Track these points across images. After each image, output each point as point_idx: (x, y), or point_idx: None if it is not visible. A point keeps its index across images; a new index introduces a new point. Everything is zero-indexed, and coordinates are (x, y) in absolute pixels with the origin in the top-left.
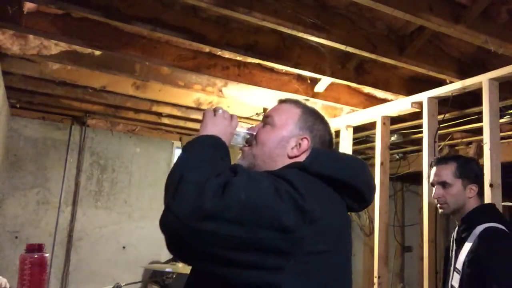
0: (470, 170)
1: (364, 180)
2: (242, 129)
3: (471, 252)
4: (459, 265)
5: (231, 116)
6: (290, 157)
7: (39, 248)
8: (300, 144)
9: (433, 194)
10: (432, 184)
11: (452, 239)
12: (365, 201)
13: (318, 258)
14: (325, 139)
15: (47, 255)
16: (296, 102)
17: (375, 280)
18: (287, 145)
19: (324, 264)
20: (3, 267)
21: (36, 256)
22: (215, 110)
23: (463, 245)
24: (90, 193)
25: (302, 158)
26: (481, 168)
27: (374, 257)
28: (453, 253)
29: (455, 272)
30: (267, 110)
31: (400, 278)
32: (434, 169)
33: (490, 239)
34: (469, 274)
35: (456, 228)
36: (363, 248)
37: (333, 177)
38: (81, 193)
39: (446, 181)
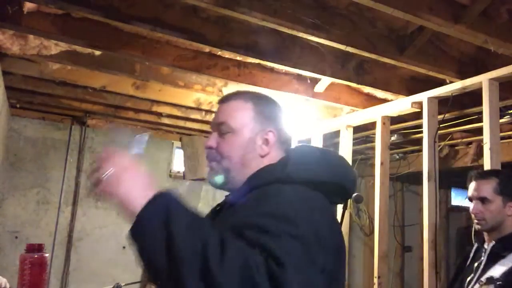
0: (511, 187)
1: (351, 179)
2: (135, 143)
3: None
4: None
5: (121, 157)
6: (262, 156)
7: (39, 248)
8: (267, 139)
9: (471, 209)
10: (470, 199)
11: (477, 250)
12: (348, 194)
13: (326, 277)
14: (283, 122)
15: (47, 255)
16: (241, 95)
17: (375, 280)
18: (256, 146)
19: (329, 283)
20: (3, 267)
21: (36, 256)
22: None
23: (498, 261)
24: (90, 193)
25: (274, 154)
26: None
27: (374, 257)
28: (481, 265)
29: (477, 284)
30: (214, 116)
31: (400, 278)
32: (473, 183)
33: None
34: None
35: (493, 243)
36: (363, 248)
37: (322, 181)
38: (81, 193)
39: (487, 197)
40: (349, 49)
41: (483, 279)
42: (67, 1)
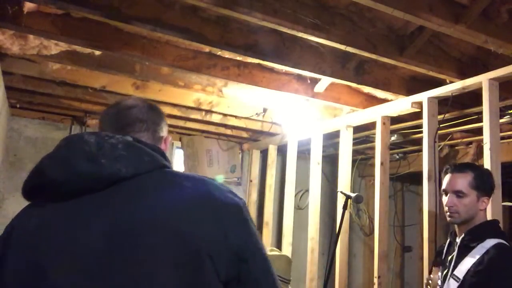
0: (486, 182)
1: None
2: None
3: (480, 263)
4: (460, 273)
5: None
6: None
7: None
8: None
9: (445, 202)
10: (445, 192)
11: (450, 245)
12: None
13: None
14: None
15: None
16: None
17: (375, 280)
18: None
19: None
20: None
21: None
22: None
23: (467, 254)
24: None
25: None
26: (494, 180)
27: (374, 257)
28: (453, 260)
29: (451, 279)
30: None
31: (400, 278)
32: (449, 176)
33: (506, 256)
34: (474, 283)
35: (462, 236)
36: (363, 248)
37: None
38: None
39: (462, 190)
40: (349, 49)
41: (457, 274)
42: (67, 1)
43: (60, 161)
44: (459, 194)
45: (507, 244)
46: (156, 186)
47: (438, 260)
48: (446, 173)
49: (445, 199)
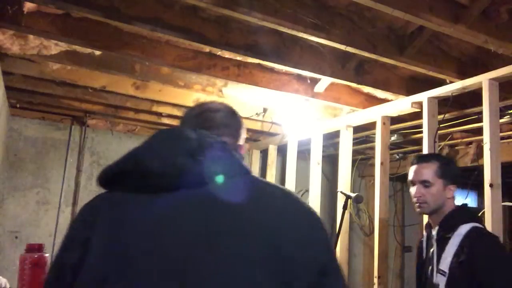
0: (451, 170)
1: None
2: None
3: (461, 253)
4: (445, 266)
5: None
6: None
7: (39, 248)
8: None
9: (413, 193)
10: (412, 183)
11: (427, 240)
12: (142, 168)
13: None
14: None
15: (47, 255)
16: None
17: (375, 280)
18: None
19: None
20: (3, 267)
21: (36, 256)
22: None
23: (446, 245)
24: (90, 193)
25: None
26: (459, 169)
27: (374, 257)
28: (434, 254)
29: (438, 274)
30: None
31: (400, 278)
32: (414, 167)
33: (483, 241)
34: (460, 276)
35: (437, 228)
36: (363, 248)
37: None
38: (81, 193)
39: (428, 180)
40: (349, 49)
41: (442, 268)
42: (67, 1)
43: (159, 152)
44: (425, 183)
45: (481, 226)
46: (246, 190)
47: (421, 261)
48: (412, 164)
49: (412, 189)
